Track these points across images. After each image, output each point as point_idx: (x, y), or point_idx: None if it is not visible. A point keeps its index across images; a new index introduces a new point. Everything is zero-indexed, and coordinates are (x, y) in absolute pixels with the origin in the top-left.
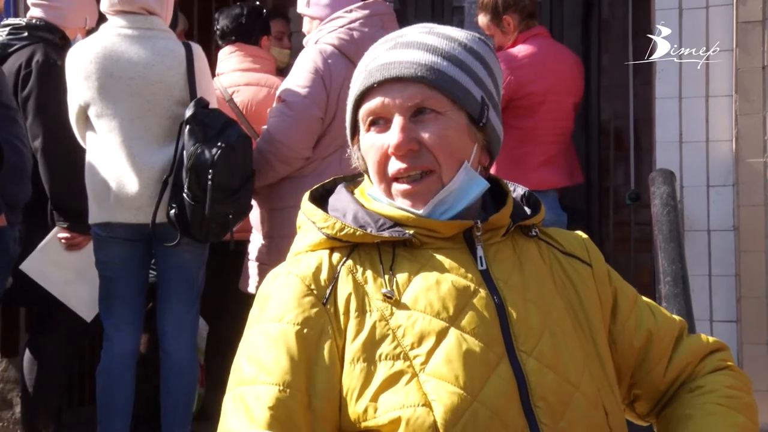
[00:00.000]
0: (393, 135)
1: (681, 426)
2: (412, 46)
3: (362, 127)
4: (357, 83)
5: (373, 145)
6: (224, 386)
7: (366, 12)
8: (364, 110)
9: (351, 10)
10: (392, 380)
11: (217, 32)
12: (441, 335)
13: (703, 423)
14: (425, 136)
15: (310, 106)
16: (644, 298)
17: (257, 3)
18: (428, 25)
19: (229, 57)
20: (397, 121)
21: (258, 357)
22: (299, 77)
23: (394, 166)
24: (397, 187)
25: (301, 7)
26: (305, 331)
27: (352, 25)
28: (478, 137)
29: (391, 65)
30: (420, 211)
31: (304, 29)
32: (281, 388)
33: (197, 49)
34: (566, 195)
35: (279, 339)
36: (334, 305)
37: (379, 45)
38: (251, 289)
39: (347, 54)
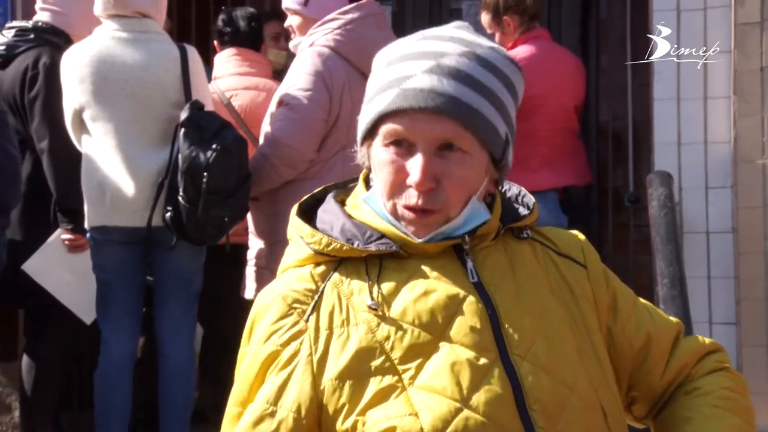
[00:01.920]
0: (415, 170)
1: (678, 428)
2: (453, 75)
3: (380, 139)
4: (386, 97)
5: (390, 164)
6: (220, 388)
7: (361, 13)
8: (388, 128)
9: (346, 12)
10: (382, 395)
11: (227, 34)
12: (430, 348)
13: (700, 425)
14: (446, 176)
15: (314, 108)
16: (641, 299)
17: (251, 9)
18: (469, 42)
19: (227, 61)
20: (422, 155)
21: (246, 377)
22: (300, 80)
23: (410, 198)
24: (405, 213)
25: (293, 4)
26: (286, 351)
27: (348, 27)
28: (493, 174)
29: (429, 94)
30: (419, 240)
31: (296, 27)
32: (265, 407)
33: (192, 51)
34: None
35: (262, 360)
36: (316, 322)
37: (415, 60)
38: (249, 295)
39: (345, 55)
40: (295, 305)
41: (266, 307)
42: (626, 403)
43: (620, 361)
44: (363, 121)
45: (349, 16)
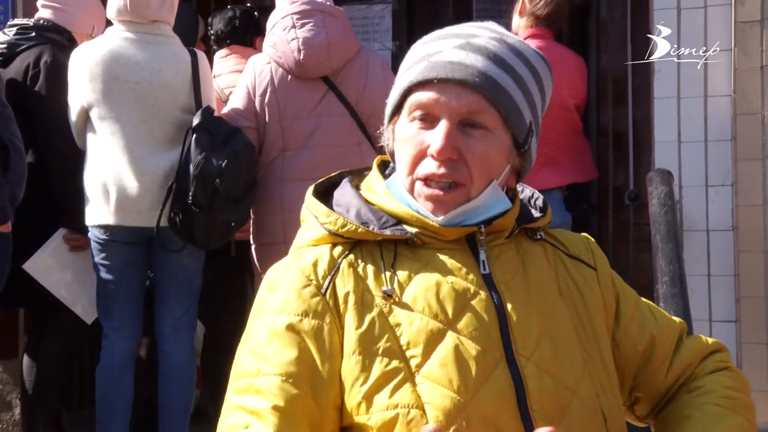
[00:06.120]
0: (437, 138)
1: (679, 427)
2: (482, 52)
3: (405, 114)
4: (414, 70)
5: (412, 138)
6: (221, 387)
7: (283, 12)
8: (414, 100)
9: (275, 13)
10: (387, 378)
11: (212, 36)
12: (438, 337)
13: (701, 423)
14: (469, 151)
15: (237, 119)
16: (644, 300)
17: (248, 4)
18: (498, 30)
19: (226, 59)
20: (444, 124)
21: (259, 350)
22: (237, 88)
23: (428, 167)
24: (423, 189)
25: None
26: (306, 321)
27: (273, 29)
28: (515, 161)
29: (457, 66)
30: (439, 219)
31: None
32: (284, 378)
33: (202, 56)
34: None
35: (280, 331)
36: (333, 296)
37: (446, 38)
38: None
39: (273, 57)
40: (312, 278)
41: (283, 279)
42: (629, 403)
43: (624, 363)
44: (391, 98)
45: (275, 17)
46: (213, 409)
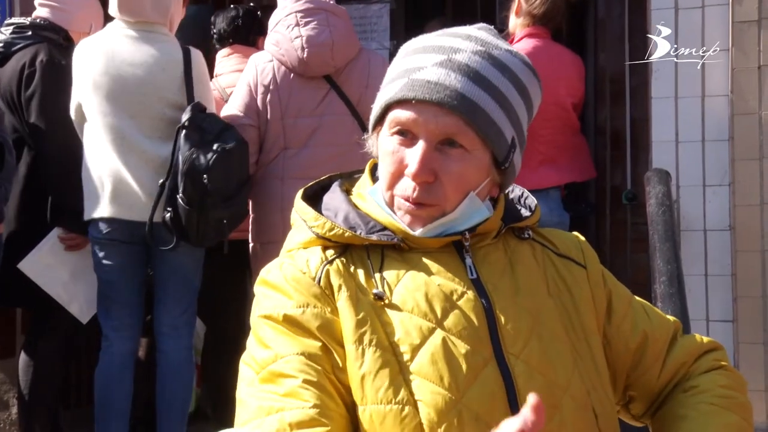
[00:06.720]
0: (413, 160)
1: (675, 426)
2: (462, 71)
3: (386, 127)
4: (395, 86)
5: (392, 154)
6: (221, 386)
7: (286, 11)
8: (393, 116)
9: (278, 11)
10: (378, 368)
11: (215, 36)
12: (427, 335)
13: (697, 423)
14: (444, 171)
15: (238, 116)
16: (638, 298)
17: (251, 4)
18: (485, 41)
19: (228, 58)
20: (421, 146)
21: (269, 341)
22: (238, 86)
23: (405, 189)
24: (401, 203)
25: None
26: (308, 311)
27: (276, 27)
28: (495, 177)
29: (436, 87)
30: (416, 232)
31: None
32: (305, 356)
33: (196, 54)
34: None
35: (285, 322)
36: (328, 285)
37: (428, 52)
38: None
39: (275, 56)
40: (305, 270)
41: (278, 276)
42: (624, 401)
43: (616, 361)
44: (374, 109)
45: (278, 15)
46: (213, 408)
